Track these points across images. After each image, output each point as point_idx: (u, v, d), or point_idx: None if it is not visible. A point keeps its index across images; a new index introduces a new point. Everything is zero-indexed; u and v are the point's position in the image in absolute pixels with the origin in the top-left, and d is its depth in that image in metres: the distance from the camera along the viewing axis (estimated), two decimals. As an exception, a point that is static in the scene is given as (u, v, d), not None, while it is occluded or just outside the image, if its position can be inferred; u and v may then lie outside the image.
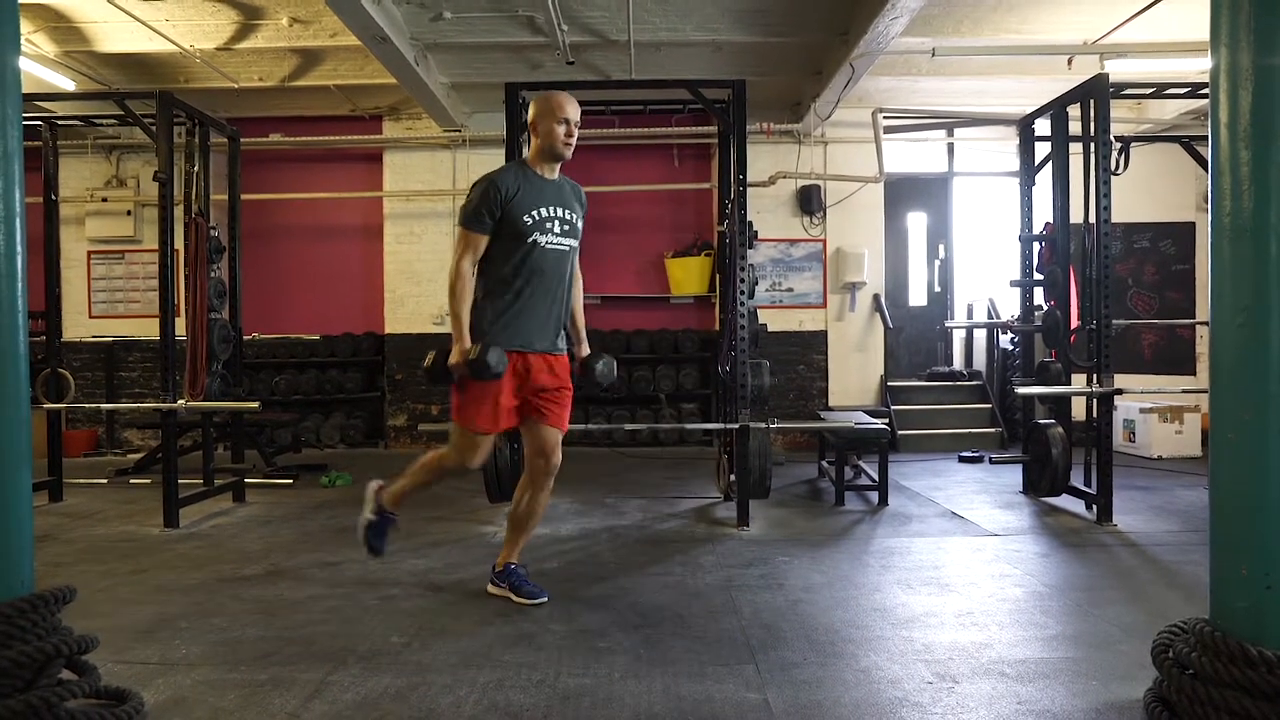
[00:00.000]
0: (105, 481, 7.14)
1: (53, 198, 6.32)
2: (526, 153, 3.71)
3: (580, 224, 3.71)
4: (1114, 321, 5.43)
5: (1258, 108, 2.28)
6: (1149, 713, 2.44)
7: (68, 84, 7.74)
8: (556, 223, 3.57)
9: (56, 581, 2.42)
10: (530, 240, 3.49)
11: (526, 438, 3.72)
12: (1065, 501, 5.84)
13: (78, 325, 9.50)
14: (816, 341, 9.48)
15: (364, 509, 3.87)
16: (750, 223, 5.57)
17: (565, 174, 3.75)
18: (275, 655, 3.09)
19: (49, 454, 6.36)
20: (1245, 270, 2.31)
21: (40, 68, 7.37)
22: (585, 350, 3.91)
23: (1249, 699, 2.18)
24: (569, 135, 3.56)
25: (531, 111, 3.60)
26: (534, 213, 3.50)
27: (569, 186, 3.72)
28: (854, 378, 9.48)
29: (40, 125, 6.22)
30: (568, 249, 3.63)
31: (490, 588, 3.84)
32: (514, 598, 3.71)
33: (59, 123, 6.38)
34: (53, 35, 7.21)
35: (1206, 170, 2.50)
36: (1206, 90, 2.43)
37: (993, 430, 8.97)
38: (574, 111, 3.56)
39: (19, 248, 2.35)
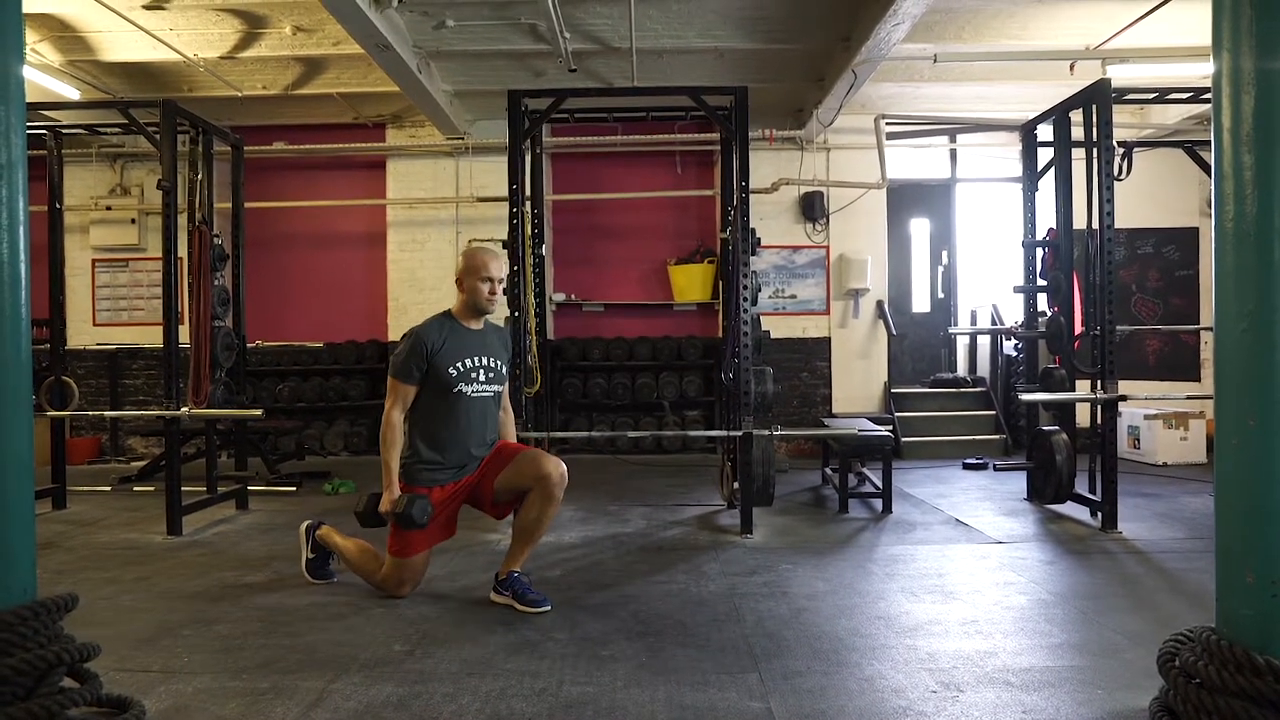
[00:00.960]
0: (109, 489, 7.14)
1: (57, 206, 6.34)
2: (453, 306, 3.93)
3: (505, 369, 3.98)
4: (1118, 327, 5.42)
5: (1260, 112, 2.27)
6: (1155, 721, 2.42)
7: (72, 93, 7.77)
8: (481, 371, 3.83)
9: (59, 589, 2.41)
10: (456, 390, 3.77)
11: (515, 479, 3.83)
12: (1070, 509, 5.82)
13: (82, 333, 9.53)
14: (820, 348, 9.48)
15: (302, 549, 4.26)
16: (753, 229, 5.56)
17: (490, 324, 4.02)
18: (277, 663, 3.08)
19: (52, 461, 6.36)
20: (1249, 275, 2.30)
21: (45, 77, 7.40)
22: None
23: (1255, 708, 2.16)
24: (492, 292, 3.82)
25: (458, 267, 3.88)
26: (458, 364, 3.77)
27: (494, 334, 3.99)
28: (857, 384, 9.47)
29: (45, 134, 6.25)
30: (491, 395, 3.90)
31: (493, 595, 3.85)
32: (517, 606, 3.71)
33: (64, 131, 6.41)
34: (57, 44, 7.24)
35: (1209, 175, 2.49)
36: (1209, 95, 2.43)
37: (997, 437, 8.95)
38: (497, 269, 3.83)
39: (22, 255, 2.35)
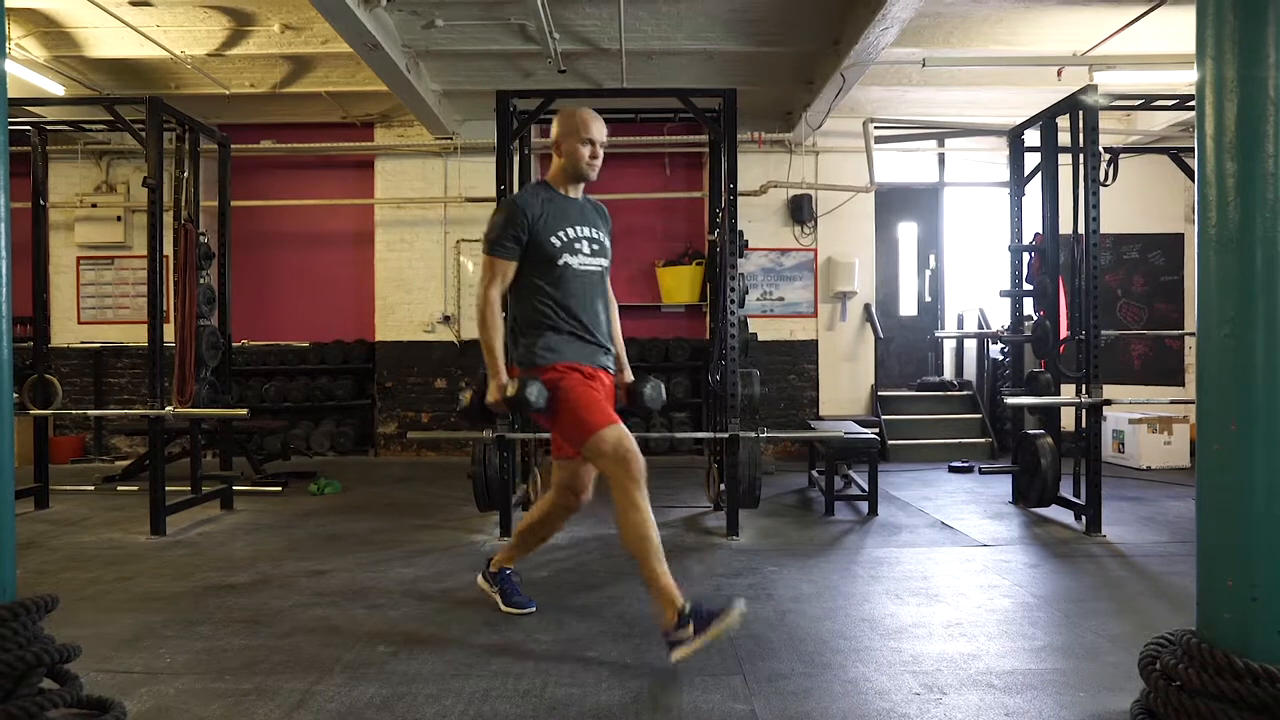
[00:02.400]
0: (92, 488, 7.09)
1: (41, 203, 6.29)
2: (547, 172, 3.50)
3: (609, 243, 3.53)
4: (1103, 332, 5.45)
5: (1243, 120, 2.29)
6: (1136, 724, 2.44)
7: (57, 89, 7.72)
8: (586, 243, 3.40)
9: (40, 590, 2.40)
10: (561, 263, 3.32)
11: (561, 468, 3.49)
12: (1054, 512, 5.85)
13: (66, 331, 9.47)
14: (807, 351, 9.50)
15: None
16: (741, 232, 5.58)
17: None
18: (260, 664, 3.07)
19: (35, 460, 6.31)
20: (1231, 281, 2.32)
21: (29, 72, 7.34)
22: (629, 376, 3.65)
23: (1235, 710, 2.18)
24: (594, 156, 3.39)
25: (555, 129, 3.41)
26: (562, 234, 3.33)
27: (593, 207, 3.55)
28: (844, 387, 9.50)
29: (29, 130, 6.21)
30: (599, 269, 3.45)
31: (480, 580, 3.78)
32: (501, 604, 3.69)
33: (48, 128, 6.37)
34: (42, 40, 7.18)
35: (1194, 181, 2.51)
36: (1193, 102, 2.45)
37: (983, 440, 8.98)
38: (600, 131, 3.38)
39: (3, 253, 2.33)
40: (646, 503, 3.17)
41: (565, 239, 3.34)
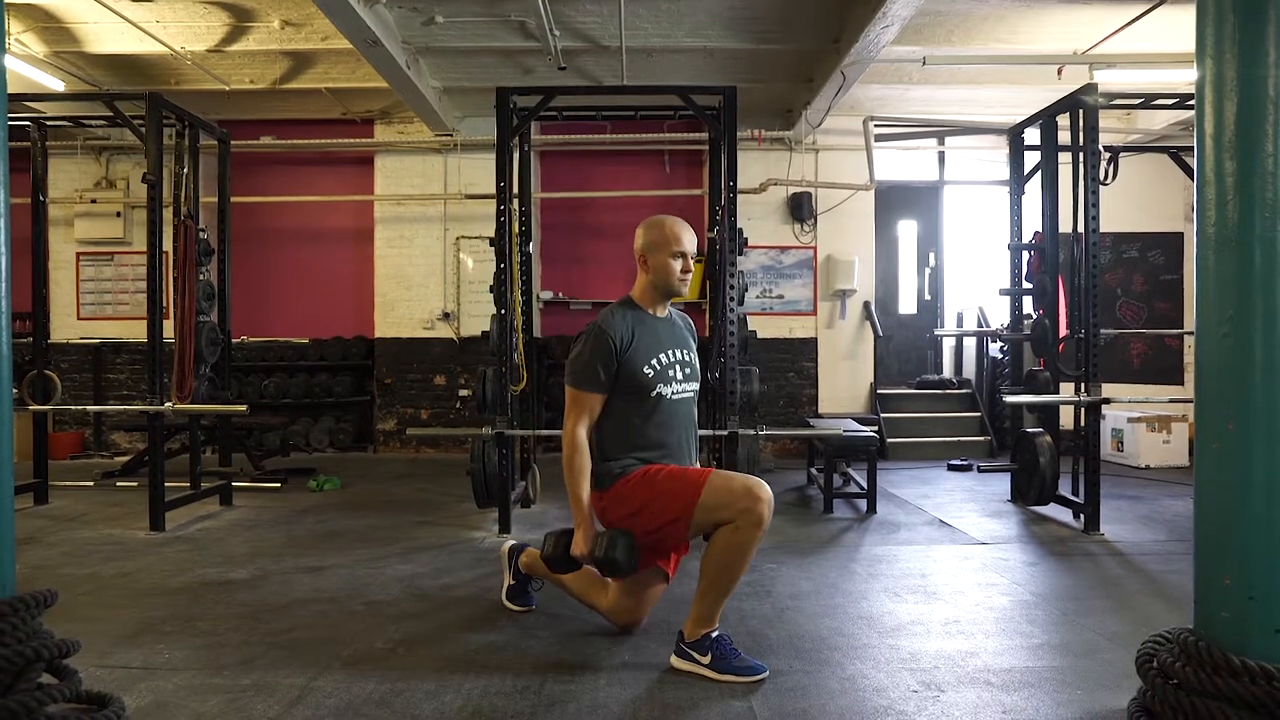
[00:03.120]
0: (91, 484, 7.08)
1: (41, 199, 6.30)
2: (632, 290, 3.23)
3: (698, 363, 3.28)
4: (1102, 331, 5.45)
5: (1242, 118, 2.29)
6: (1133, 722, 2.44)
7: (57, 84, 7.71)
8: (679, 368, 3.16)
9: (40, 585, 2.40)
10: (655, 394, 3.08)
11: (624, 590, 3.29)
12: (1053, 510, 5.86)
13: (66, 327, 9.46)
14: (806, 349, 9.49)
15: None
16: (740, 229, 5.58)
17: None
18: (259, 660, 3.07)
19: (35, 456, 6.32)
20: (1229, 280, 2.32)
21: (29, 68, 7.34)
22: None
23: (1232, 709, 2.18)
24: (685, 270, 3.13)
25: (639, 240, 3.16)
26: (654, 362, 3.08)
27: (681, 322, 3.34)
28: (844, 385, 9.49)
29: (29, 126, 6.21)
30: (692, 395, 3.23)
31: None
32: (503, 596, 3.68)
33: (48, 123, 6.36)
34: (42, 35, 7.18)
35: (1194, 180, 2.52)
36: (1193, 101, 2.45)
37: (982, 439, 8.99)
38: (690, 243, 3.12)
39: (2, 248, 2.33)
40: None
41: (658, 367, 3.10)
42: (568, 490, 3.05)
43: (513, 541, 3.80)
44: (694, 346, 3.29)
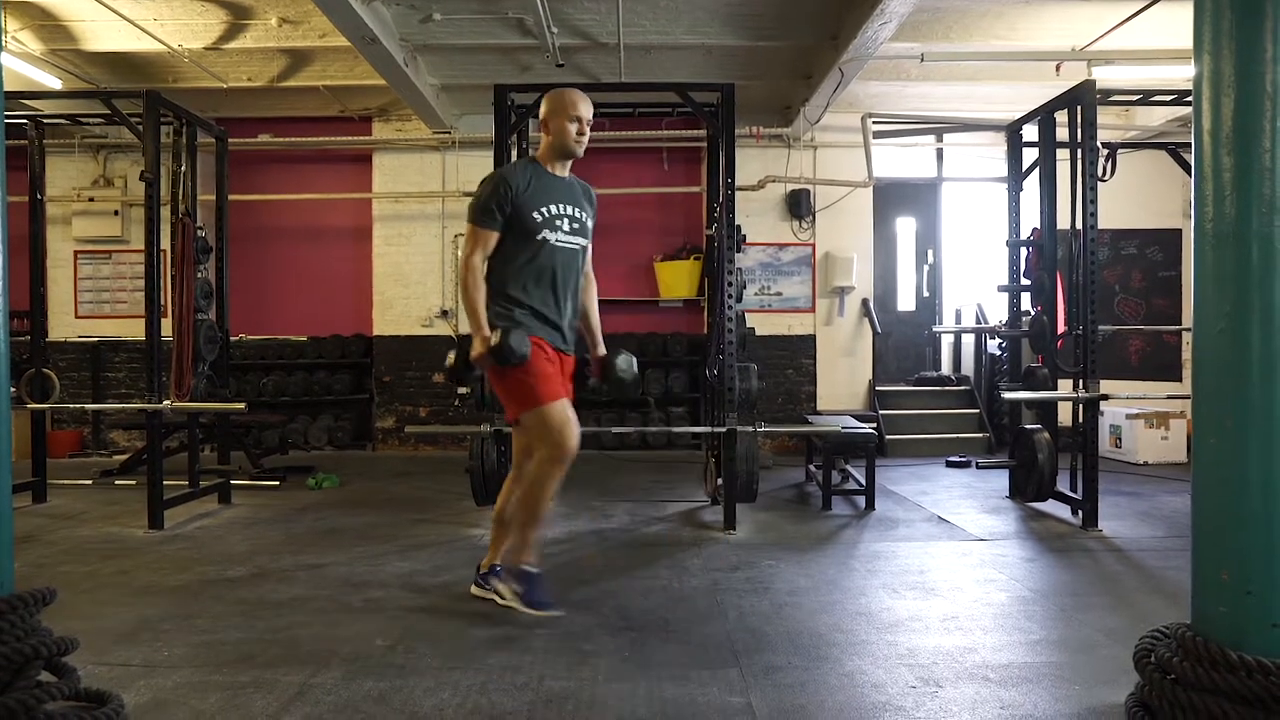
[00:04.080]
0: (90, 483, 7.09)
1: (39, 197, 6.29)
2: (536, 150, 3.63)
3: (590, 224, 3.68)
4: (1100, 327, 5.45)
5: (1240, 114, 2.29)
6: (1131, 717, 2.44)
7: (54, 82, 7.70)
8: (566, 220, 3.52)
9: (38, 583, 2.40)
10: (540, 237, 3.45)
11: (517, 435, 3.69)
12: (1051, 507, 5.86)
13: (64, 325, 9.45)
14: (805, 346, 9.50)
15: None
16: (739, 226, 5.57)
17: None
18: (258, 657, 3.07)
19: (33, 454, 6.32)
20: (1227, 276, 2.32)
21: (26, 65, 7.33)
22: (602, 350, 3.83)
23: (1229, 704, 2.18)
24: (581, 133, 3.52)
25: (543, 108, 3.55)
26: (544, 210, 3.46)
27: (580, 186, 3.68)
28: (842, 382, 9.50)
29: (26, 124, 6.20)
30: (578, 248, 3.58)
31: (474, 590, 3.81)
32: (498, 600, 3.68)
33: (45, 121, 6.35)
34: (39, 33, 7.17)
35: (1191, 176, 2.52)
36: (1191, 97, 2.45)
37: (980, 435, 8.99)
38: (586, 109, 3.52)
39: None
40: (555, 486, 3.43)
41: (546, 215, 3.46)
42: (465, 308, 3.45)
43: (474, 582, 3.81)
44: (589, 209, 3.68)
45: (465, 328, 9.23)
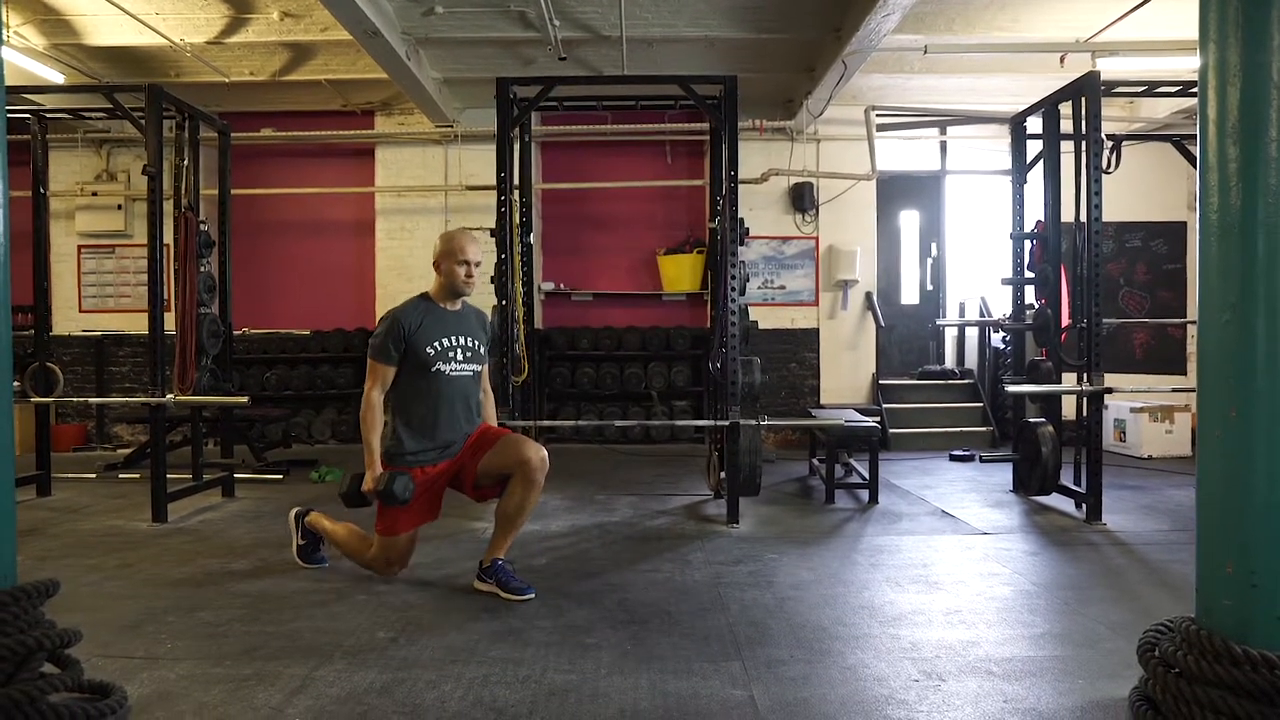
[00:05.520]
0: (94, 476, 7.10)
1: (42, 191, 6.29)
2: (430, 289, 3.92)
3: (484, 349, 4.00)
4: (1105, 320, 5.45)
5: (1246, 104, 2.28)
6: (1134, 711, 2.44)
7: (57, 77, 7.70)
8: (459, 350, 3.85)
9: (42, 576, 2.40)
10: (434, 370, 3.78)
11: (497, 463, 3.83)
12: (1055, 500, 5.85)
13: (68, 320, 9.47)
14: (808, 339, 9.49)
15: (292, 536, 4.31)
16: (742, 220, 5.56)
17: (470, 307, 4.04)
18: (261, 650, 3.08)
19: (37, 448, 6.33)
20: (1233, 267, 2.31)
21: (29, 60, 7.33)
22: None
23: (1233, 697, 2.18)
24: (469, 275, 3.83)
25: (435, 250, 3.87)
26: (436, 344, 3.79)
27: (472, 315, 4.01)
28: (846, 376, 9.49)
29: (29, 118, 6.19)
30: (470, 374, 3.91)
31: (477, 583, 3.84)
32: (501, 593, 3.71)
33: (48, 116, 6.34)
34: (41, 28, 7.17)
35: (1197, 169, 2.50)
36: (1196, 88, 2.43)
37: (984, 429, 8.98)
38: (474, 253, 3.84)
39: (3, 241, 2.33)
40: (359, 560, 4.04)
41: (439, 348, 3.80)
42: (363, 439, 3.77)
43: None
44: (482, 335, 4.00)
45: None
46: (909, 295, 10.11)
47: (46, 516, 5.54)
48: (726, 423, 5.26)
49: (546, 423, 6.05)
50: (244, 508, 5.85)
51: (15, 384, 6.04)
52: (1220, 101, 2.33)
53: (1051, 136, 5.91)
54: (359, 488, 3.79)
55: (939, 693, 2.70)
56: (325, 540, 4.24)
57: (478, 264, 3.87)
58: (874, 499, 5.93)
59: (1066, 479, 5.75)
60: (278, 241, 9.60)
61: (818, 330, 9.49)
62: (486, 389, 4.12)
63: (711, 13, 7.01)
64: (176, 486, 5.62)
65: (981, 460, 6.84)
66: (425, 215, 9.43)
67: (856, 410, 7.96)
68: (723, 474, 5.54)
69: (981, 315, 9.47)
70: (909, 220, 10.06)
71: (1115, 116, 8.80)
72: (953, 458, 8.02)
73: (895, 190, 9.78)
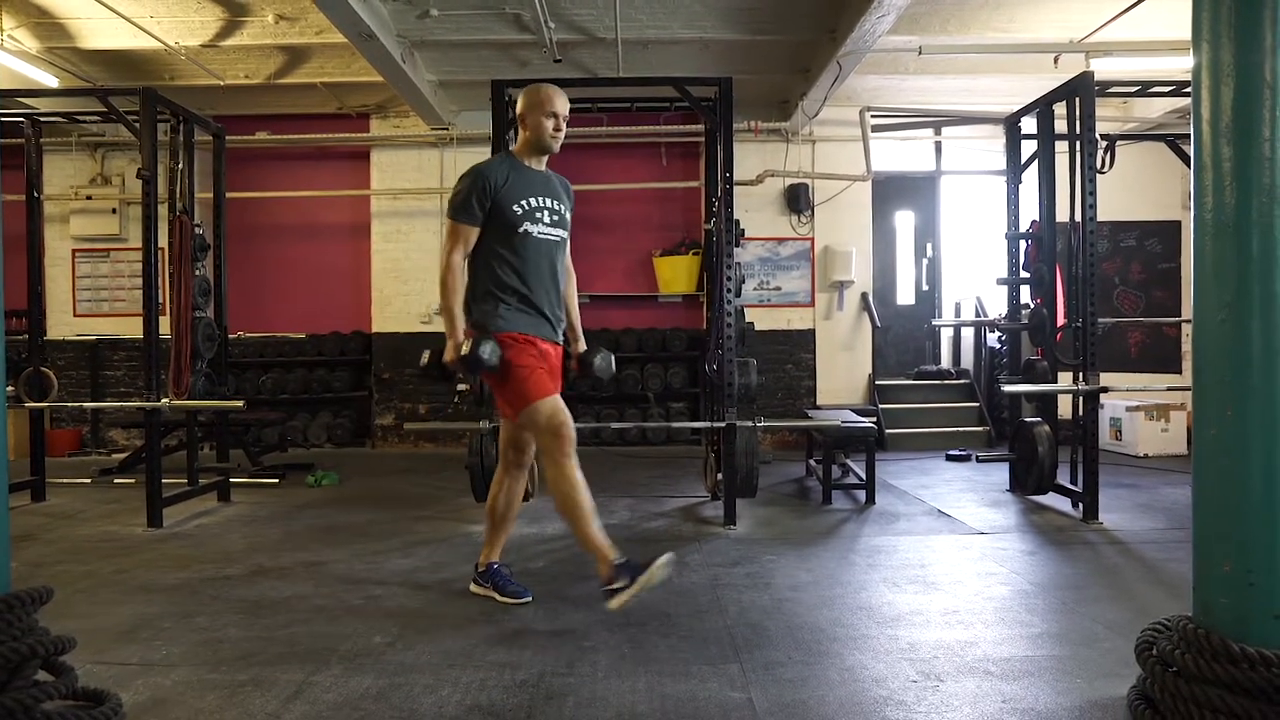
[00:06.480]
0: (89, 481, 7.08)
1: (36, 195, 6.26)
2: (514, 145, 3.58)
3: (569, 216, 3.69)
4: (1100, 320, 5.45)
5: (1239, 104, 2.28)
6: (1132, 710, 2.44)
7: (51, 80, 7.68)
8: (546, 213, 3.55)
9: (36, 582, 2.39)
10: (521, 230, 3.46)
11: (505, 428, 3.72)
12: (1052, 499, 5.85)
13: (62, 324, 9.44)
14: (804, 340, 9.49)
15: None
16: (737, 221, 5.56)
17: (553, 169, 3.74)
18: (257, 655, 3.06)
19: (32, 453, 6.31)
20: (1227, 266, 2.31)
21: (22, 63, 7.31)
22: (582, 346, 3.85)
23: (1231, 695, 2.18)
24: (557, 129, 3.54)
25: (520, 104, 3.58)
26: (523, 202, 3.48)
27: (556, 179, 3.70)
28: (842, 376, 9.49)
29: (22, 122, 6.18)
30: (558, 239, 3.61)
31: (473, 587, 3.82)
32: (497, 597, 3.69)
33: (42, 119, 6.33)
34: (35, 31, 7.14)
35: (1190, 168, 2.51)
36: (1190, 88, 2.43)
37: (980, 429, 8.99)
38: (562, 105, 3.54)
39: (-6, 244, 2.32)
40: (577, 472, 3.42)
41: (526, 207, 3.48)
42: (441, 307, 3.46)
43: (473, 579, 3.85)
44: (567, 201, 3.70)
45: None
46: (905, 296, 10.12)
47: (41, 522, 5.53)
48: (723, 424, 5.25)
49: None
50: (240, 512, 5.84)
51: (9, 389, 6.04)
52: (1214, 101, 2.33)
53: (1046, 136, 5.91)
54: (440, 360, 3.47)
55: (937, 693, 2.70)
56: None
57: (566, 118, 3.56)
58: (871, 499, 5.93)
59: (1063, 478, 5.76)
60: (273, 245, 9.58)
61: (814, 331, 9.49)
62: (569, 264, 3.78)
63: (706, 14, 7.01)
64: (172, 491, 5.60)
65: (978, 460, 6.83)
66: (421, 218, 9.42)
67: (853, 411, 7.96)
68: (720, 475, 5.53)
69: (977, 315, 9.48)
70: (904, 221, 10.07)
71: (1109, 116, 8.82)
72: (949, 458, 8.03)
73: (890, 191, 9.79)
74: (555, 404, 3.44)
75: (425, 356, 3.55)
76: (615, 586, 3.26)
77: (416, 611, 3.59)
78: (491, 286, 3.48)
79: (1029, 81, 8.07)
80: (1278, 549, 2.26)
